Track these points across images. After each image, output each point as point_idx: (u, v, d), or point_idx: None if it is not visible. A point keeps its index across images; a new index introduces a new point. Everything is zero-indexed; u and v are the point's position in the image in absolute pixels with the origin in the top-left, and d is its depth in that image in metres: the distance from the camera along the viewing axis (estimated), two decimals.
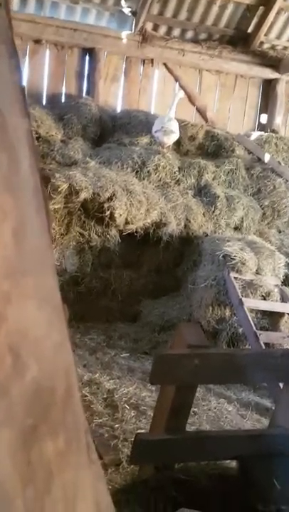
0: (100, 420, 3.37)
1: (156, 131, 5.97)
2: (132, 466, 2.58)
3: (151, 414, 3.27)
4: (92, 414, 3.43)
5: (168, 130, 5.89)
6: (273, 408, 3.72)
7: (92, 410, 3.49)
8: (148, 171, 5.79)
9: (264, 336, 4.34)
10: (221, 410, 3.77)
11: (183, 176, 6.01)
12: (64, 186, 5.12)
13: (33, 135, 4.99)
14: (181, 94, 6.41)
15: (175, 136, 6.01)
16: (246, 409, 3.86)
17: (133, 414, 3.49)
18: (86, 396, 3.65)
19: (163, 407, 1.97)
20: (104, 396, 3.72)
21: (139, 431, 3.16)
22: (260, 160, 6.57)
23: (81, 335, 5.02)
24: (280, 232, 6.32)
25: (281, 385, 2.24)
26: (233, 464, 2.06)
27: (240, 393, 4.12)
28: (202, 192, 6.00)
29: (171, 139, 6.00)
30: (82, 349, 4.66)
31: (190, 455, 1.94)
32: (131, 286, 5.64)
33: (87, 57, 6.84)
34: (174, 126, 5.94)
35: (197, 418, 3.57)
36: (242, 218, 5.94)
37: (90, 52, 6.79)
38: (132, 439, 2.01)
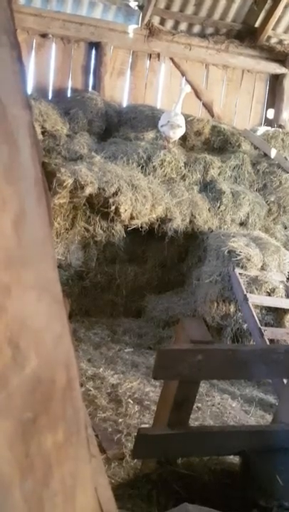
0: (104, 415, 3.38)
1: (162, 126, 5.94)
2: (135, 460, 2.58)
3: (155, 409, 3.28)
4: (96, 409, 3.44)
5: (175, 124, 5.86)
6: (277, 404, 3.73)
7: (96, 404, 3.50)
8: (153, 166, 5.77)
9: (269, 332, 4.33)
10: (224, 406, 3.77)
11: (188, 171, 5.99)
12: (69, 181, 5.12)
13: (35, 126, 5.00)
14: (188, 89, 6.37)
15: (181, 131, 5.99)
16: (250, 405, 3.86)
17: (137, 409, 3.49)
18: (90, 390, 3.66)
19: (166, 402, 1.97)
20: (108, 391, 3.73)
21: (142, 425, 3.17)
22: (266, 155, 6.53)
23: (85, 329, 5.03)
24: (285, 228, 6.28)
25: (285, 381, 2.23)
26: (236, 459, 2.06)
27: (244, 389, 4.11)
28: (208, 187, 5.98)
29: (177, 134, 5.98)
30: (87, 344, 4.67)
31: (192, 450, 1.94)
32: (135, 282, 5.64)
33: (93, 51, 6.81)
34: (181, 121, 5.92)
35: (201, 413, 3.57)
36: (247, 214, 5.91)
37: (97, 46, 6.77)
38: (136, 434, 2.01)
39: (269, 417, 3.65)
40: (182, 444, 1.91)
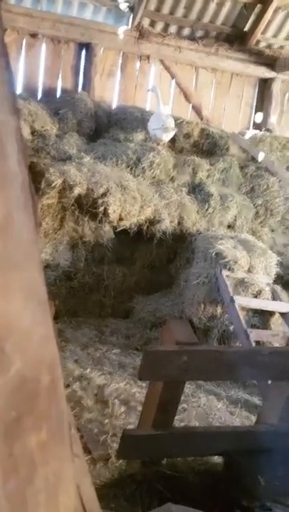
0: (90, 415, 3.39)
1: (154, 129, 5.97)
2: (120, 461, 2.59)
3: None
4: (82, 410, 3.45)
5: (169, 127, 5.92)
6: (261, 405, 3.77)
7: (82, 405, 3.50)
8: (143, 168, 5.79)
9: (254, 334, 4.37)
10: (210, 407, 3.80)
11: (177, 173, 6.02)
12: (58, 181, 5.12)
13: (24, 126, 4.96)
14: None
15: (173, 133, 6.05)
16: (235, 406, 3.89)
17: (123, 410, 3.50)
18: (76, 391, 3.67)
19: (151, 403, 1.98)
20: (95, 391, 3.73)
21: (128, 426, 3.18)
22: (254, 159, 6.59)
23: (73, 330, 5.02)
24: (272, 231, 6.34)
25: (269, 382, 2.26)
26: (220, 459, 2.08)
27: (230, 390, 4.14)
28: (196, 190, 6.01)
29: (169, 136, 6.04)
30: (74, 344, 4.66)
31: (177, 451, 1.96)
32: (124, 282, 5.64)
33: (83, 52, 6.81)
34: (172, 124, 5.98)
35: (186, 414, 3.59)
36: (235, 217, 5.96)
37: (87, 47, 6.77)
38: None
39: (254, 418, 3.68)
40: (167, 445, 1.93)
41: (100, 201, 5.24)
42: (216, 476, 1.97)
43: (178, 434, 2.00)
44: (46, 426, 0.65)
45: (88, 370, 4.06)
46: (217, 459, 2.13)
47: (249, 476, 1.82)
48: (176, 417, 3.24)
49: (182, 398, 3.56)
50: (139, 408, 3.46)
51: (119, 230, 5.51)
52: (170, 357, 1.73)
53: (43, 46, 6.65)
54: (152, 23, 7.03)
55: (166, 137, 6.02)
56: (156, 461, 2.02)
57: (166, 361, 1.74)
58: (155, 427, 1.94)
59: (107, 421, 3.34)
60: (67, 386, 3.68)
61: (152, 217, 5.51)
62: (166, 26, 7.11)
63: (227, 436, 2.03)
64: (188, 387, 3.92)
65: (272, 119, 7.60)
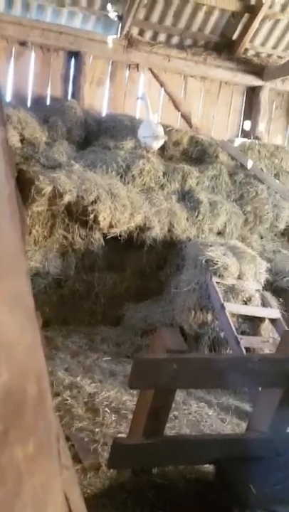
0: (81, 424, 3.36)
1: (145, 137, 6.01)
2: (111, 470, 2.58)
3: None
4: (72, 418, 3.42)
5: (159, 135, 5.97)
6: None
7: (72, 414, 3.47)
8: (132, 175, 5.81)
9: (245, 341, 4.38)
10: (201, 414, 3.78)
11: (167, 180, 6.05)
12: (48, 189, 5.11)
13: (14, 134, 4.93)
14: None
15: (162, 141, 6.09)
16: (226, 413, 3.88)
17: (114, 418, 3.48)
18: (67, 400, 3.64)
19: (142, 411, 1.97)
20: (85, 400, 3.71)
21: (119, 435, 3.16)
22: (243, 166, 6.64)
23: (63, 338, 4.99)
24: (261, 237, 6.38)
25: (259, 389, 2.26)
26: (210, 468, 2.07)
27: (221, 397, 4.14)
28: (186, 197, 6.05)
29: (159, 144, 6.09)
30: (64, 352, 4.63)
31: (167, 459, 1.95)
32: (114, 290, 5.64)
33: (72, 61, 6.84)
34: (162, 132, 6.03)
35: (177, 422, 3.58)
36: (225, 223, 5.99)
37: (76, 55, 6.80)
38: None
39: (245, 425, 3.68)
40: (157, 454, 1.92)
41: (90, 208, 5.25)
42: (207, 485, 1.96)
43: (168, 442, 1.99)
44: (33, 438, 0.64)
45: (79, 378, 4.03)
46: (208, 468, 2.12)
47: (240, 484, 1.82)
48: (167, 425, 3.23)
49: (173, 406, 3.56)
50: (130, 416, 3.44)
51: (109, 237, 5.51)
52: (160, 365, 1.73)
53: (33, 54, 6.67)
54: (141, 32, 7.08)
55: (156, 145, 6.07)
56: (147, 470, 2.01)
57: (156, 369, 1.73)
58: (146, 436, 1.93)
59: (97, 429, 3.31)
60: (58, 395, 3.66)
61: (142, 224, 5.52)
62: (155, 35, 7.16)
63: (218, 445, 2.03)
64: (179, 395, 3.91)
65: (261, 126, 7.68)
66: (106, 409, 3.59)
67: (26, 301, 0.69)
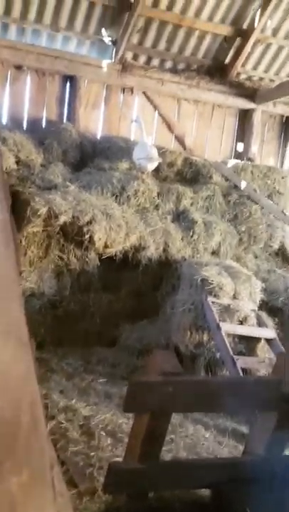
0: (76, 448, 3.31)
1: (139, 158, 6.08)
2: (107, 494, 2.53)
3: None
4: (67, 442, 3.37)
5: (154, 157, 6.05)
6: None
7: (67, 438, 3.42)
8: (127, 196, 5.86)
9: (241, 361, 4.37)
10: (198, 437, 3.74)
11: (162, 201, 6.10)
12: (43, 210, 5.13)
13: (10, 156, 4.97)
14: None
15: (157, 163, 6.17)
16: (223, 435, 3.84)
17: (109, 442, 3.43)
18: (62, 423, 3.58)
19: (137, 435, 1.96)
20: (81, 423, 3.65)
21: (115, 459, 3.11)
22: (236, 187, 6.71)
23: (58, 360, 4.95)
24: (256, 257, 6.42)
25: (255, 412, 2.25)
26: (207, 491, 2.05)
27: (218, 419, 4.10)
28: (180, 217, 6.09)
29: (154, 166, 6.16)
30: (59, 374, 4.59)
31: (163, 484, 1.93)
32: (110, 310, 5.62)
33: (68, 84, 6.94)
34: (156, 154, 6.12)
35: (174, 445, 3.53)
36: (219, 243, 6.03)
37: (71, 79, 6.90)
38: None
39: (242, 448, 3.64)
40: (153, 479, 1.90)
41: (85, 229, 5.27)
42: (203, 508, 1.93)
43: (164, 467, 1.97)
44: (27, 467, 0.64)
45: (74, 401, 3.97)
46: (204, 491, 2.10)
47: (237, 508, 1.79)
48: (163, 448, 3.19)
49: (170, 428, 3.51)
50: (126, 440, 3.39)
51: (104, 257, 5.52)
52: (155, 388, 1.72)
53: (28, 78, 6.77)
54: (135, 56, 7.22)
55: (151, 167, 6.15)
56: (142, 494, 1.99)
57: (151, 392, 1.73)
58: (141, 460, 1.92)
59: (93, 453, 3.26)
60: (52, 418, 3.61)
61: (137, 244, 5.55)
62: (149, 59, 7.30)
63: (214, 468, 2.01)
64: (176, 417, 3.87)
65: (254, 148, 7.79)
66: (101, 432, 3.54)
67: (20, 329, 0.69)
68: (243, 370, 4.36)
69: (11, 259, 0.70)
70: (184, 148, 7.38)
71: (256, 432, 2.01)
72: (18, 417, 0.64)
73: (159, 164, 6.34)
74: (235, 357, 4.34)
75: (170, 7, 6.75)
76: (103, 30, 6.79)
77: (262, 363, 4.50)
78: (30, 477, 0.65)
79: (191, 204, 6.25)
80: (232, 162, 7.11)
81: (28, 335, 0.72)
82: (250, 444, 2.01)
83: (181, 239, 5.85)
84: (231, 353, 4.38)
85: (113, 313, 5.60)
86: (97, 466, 3.06)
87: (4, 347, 0.65)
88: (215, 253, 6.04)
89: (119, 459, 2.93)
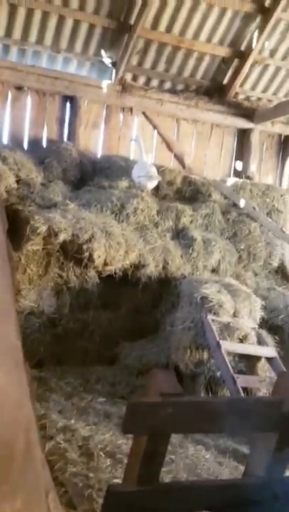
0: (75, 469, 3.26)
1: (140, 177, 6.13)
2: None
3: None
4: (66, 463, 3.32)
5: (154, 176, 6.10)
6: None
7: (66, 459, 3.38)
8: (127, 214, 5.89)
9: (241, 380, 4.33)
10: (198, 457, 3.69)
11: (161, 218, 6.13)
12: (43, 228, 5.15)
13: (10, 175, 4.99)
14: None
15: (157, 182, 6.22)
16: (224, 456, 3.79)
17: (109, 463, 3.39)
18: (60, 444, 3.54)
19: (136, 457, 1.93)
20: (80, 443, 3.61)
21: (114, 480, 3.07)
22: (235, 205, 6.75)
23: (57, 379, 4.91)
24: (256, 275, 6.42)
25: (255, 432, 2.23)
26: None
27: (218, 439, 4.05)
28: (180, 235, 6.12)
29: (153, 184, 6.21)
30: (58, 394, 4.55)
31: (163, 506, 1.90)
32: (109, 328, 5.60)
33: (68, 105, 7.03)
34: (156, 172, 6.18)
35: (174, 466, 3.49)
36: (219, 261, 6.04)
37: (71, 99, 6.99)
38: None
39: (242, 468, 3.59)
40: (152, 501, 1.87)
41: (84, 247, 5.28)
42: None
43: (164, 489, 1.95)
44: (21, 493, 0.63)
45: (73, 420, 3.93)
46: None
47: None
48: (163, 469, 3.15)
49: (170, 449, 3.47)
50: (126, 460, 3.35)
51: (104, 275, 5.52)
52: (154, 409, 1.71)
53: (29, 98, 6.86)
54: (134, 77, 7.33)
55: (151, 185, 6.20)
56: None
57: (150, 413, 1.71)
58: (140, 482, 1.88)
59: (92, 474, 3.22)
60: (51, 438, 3.57)
61: (137, 261, 5.56)
62: (148, 80, 7.41)
63: (214, 490, 1.98)
64: (176, 437, 3.83)
65: (252, 167, 7.85)
66: (101, 453, 3.49)
67: (15, 354, 0.69)
68: (244, 389, 4.32)
69: (7, 281, 0.70)
70: (183, 167, 7.44)
71: (257, 453, 1.99)
72: (13, 442, 0.64)
73: (159, 183, 6.39)
74: (235, 376, 4.31)
75: (169, 29, 6.88)
76: (103, 51, 6.91)
77: (262, 382, 4.46)
78: (24, 503, 0.64)
79: (191, 222, 6.28)
80: (231, 180, 7.17)
81: (24, 358, 0.72)
82: (251, 465, 1.98)
83: (181, 256, 5.86)
84: (232, 371, 4.35)
85: (112, 332, 5.58)
86: (96, 487, 3.01)
87: (0, 372, 0.65)
88: (214, 271, 6.05)
89: (119, 481, 2.89)
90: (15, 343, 0.70)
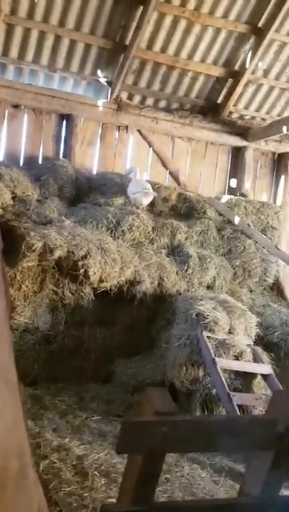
0: (69, 489, 3.22)
1: (135, 193, 6.18)
2: None
3: None
4: (60, 482, 3.28)
5: (149, 192, 6.16)
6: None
7: (60, 478, 3.34)
8: (122, 231, 5.91)
9: (237, 398, 4.31)
10: (193, 476, 3.66)
11: (156, 235, 6.16)
12: (38, 244, 5.15)
13: (6, 192, 5.00)
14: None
15: (152, 198, 6.27)
16: (219, 474, 3.76)
17: (103, 482, 3.35)
18: (55, 463, 3.50)
19: (130, 476, 1.92)
20: (74, 463, 3.57)
21: (109, 500, 3.04)
22: (230, 222, 6.80)
23: (52, 397, 4.87)
24: (251, 291, 6.43)
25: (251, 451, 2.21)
26: None
27: (214, 458, 4.01)
28: (175, 251, 6.14)
29: (148, 200, 6.26)
30: (53, 412, 4.50)
31: None
32: (104, 345, 5.58)
33: (64, 122, 7.10)
34: (151, 188, 6.23)
35: (169, 485, 3.45)
36: (214, 277, 6.05)
37: (68, 117, 7.06)
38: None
39: (238, 487, 3.55)
40: None
41: (80, 263, 5.29)
42: None
43: (159, 509, 1.92)
44: None
45: (67, 439, 3.89)
46: None
47: None
48: (158, 489, 3.11)
49: (165, 468, 3.44)
50: (120, 480, 3.32)
51: (99, 291, 5.52)
52: (149, 428, 1.70)
53: (25, 117, 6.93)
54: (130, 96, 7.42)
55: (146, 201, 6.24)
56: None
57: (144, 433, 1.70)
58: (135, 502, 1.87)
59: (86, 494, 3.18)
60: (45, 457, 3.53)
61: (132, 278, 5.56)
62: (144, 99, 7.50)
63: (210, 510, 1.96)
64: (171, 456, 3.79)
65: (246, 184, 7.92)
66: (95, 472, 3.45)
67: (9, 375, 0.70)
68: (240, 406, 4.30)
69: (2, 303, 0.70)
70: (179, 184, 7.50)
71: (252, 472, 1.98)
72: (6, 465, 0.64)
73: (154, 199, 6.44)
74: (231, 393, 4.29)
75: (164, 49, 7.00)
76: (99, 71, 7.01)
77: (258, 399, 4.44)
78: None
79: (186, 238, 6.31)
80: (225, 198, 7.23)
81: (18, 377, 0.72)
82: (246, 484, 1.97)
83: (176, 273, 5.87)
84: (227, 389, 4.33)
85: (108, 349, 5.56)
86: (90, 507, 2.98)
87: None
88: (210, 287, 6.06)
89: (113, 500, 2.86)
90: (8, 362, 0.70)
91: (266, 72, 7.55)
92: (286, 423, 1.80)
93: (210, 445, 1.92)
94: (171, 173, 7.60)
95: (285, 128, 7.04)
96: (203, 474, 3.72)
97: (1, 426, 0.65)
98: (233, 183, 7.88)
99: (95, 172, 7.17)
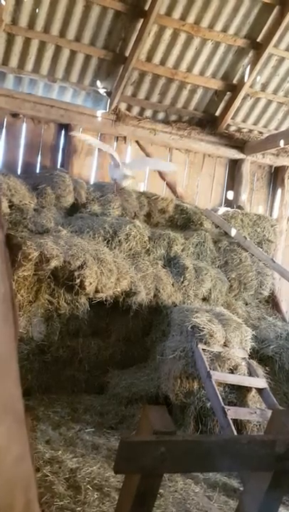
0: (61, 503, 3.19)
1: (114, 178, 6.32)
2: None
3: (116, 497, 3.11)
4: (52, 496, 3.25)
5: (128, 175, 6.23)
6: (241, 489, 3.62)
7: (53, 492, 3.30)
8: (119, 241, 5.90)
9: (232, 412, 4.28)
10: (187, 492, 3.62)
11: (153, 246, 6.15)
12: (35, 254, 5.14)
13: (3, 200, 5.00)
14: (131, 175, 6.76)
15: (131, 180, 6.41)
16: (213, 490, 3.73)
17: (96, 496, 3.31)
18: (47, 476, 3.46)
19: (128, 495, 1.89)
20: (67, 476, 3.53)
21: None
22: (226, 234, 6.81)
23: (45, 408, 4.83)
24: (246, 304, 6.43)
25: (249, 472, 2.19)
26: None
27: (208, 473, 3.98)
28: (171, 263, 6.13)
29: (128, 182, 6.37)
30: (46, 423, 4.46)
31: None
32: (98, 356, 5.54)
33: (62, 132, 7.11)
34: (130, 172, 6.40)
35: (163, 500, 3.42)
36: (210, 289, 6.05)
37: (66, 127, 7.07)
38: None
39: (232, 503, 3.53)
40: None
41: (76, 273, 5.26)
42: None
43: None
44: None
45: (60, 452, 3.85)
46: None
47: None
48: None
49: None
50: (114, 494, 3.29)
51: (95, 302, 5.49)
52: (146, 448, 1.68)
53: (24, 125, 6.93)
54: (129, 107, 7.45)
55: (126, 183, 6.28)
56: None
57: (142, 453, 1.68)
58: None
59: (79, 509, 3.14)
60: (38, 470, 3.48)
61: (128, 289, 5.54)
62: (142, 110, 7.54)
63: None
64: None
65: (243, 197, 7.96)
66: (88, 486, 3.41)
67: (16, 407, 0.69)
68: (234, 420, 4.27)
69: (11, 332, 0.69)
70: (176, 196, 7.53)
71: (250, 492, 1.96)
72: (12, 501, 0.63)
73: (151, 210, 6.46)
74: (226, 407, 4.26)
75: (163, 62, 7.05)
76: (98, 81, 7.04)
77: (253, 414, 4.42)
78: None
79: (182, 250, 6.31)
80: (222, 210, 7.25)
81: (24, 411, 0.71)
82: (244, 504, 1.95)
83: (172, 284, 5.86)
84: (222, 403, 4.30)
85: (102, 360, 5.52)
86: None
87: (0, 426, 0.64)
88: (205, 299, 6.05)
89: None
90: (15, 395, 0.69)
91: (264, 86, 7.62)
92: (285, 444, 1.79)
93: (209, 466, 1.90)
94: (168, 185, 7.63)
95: (282, 142, 7.10)
96: (196, 489, 3.69)
97: (7, 460, 0.63)
98: (230, 195, 7.93)
99: (92, 182, 7.18)
